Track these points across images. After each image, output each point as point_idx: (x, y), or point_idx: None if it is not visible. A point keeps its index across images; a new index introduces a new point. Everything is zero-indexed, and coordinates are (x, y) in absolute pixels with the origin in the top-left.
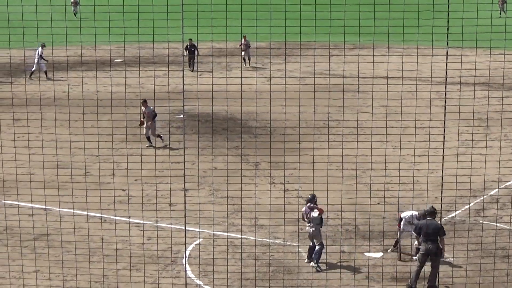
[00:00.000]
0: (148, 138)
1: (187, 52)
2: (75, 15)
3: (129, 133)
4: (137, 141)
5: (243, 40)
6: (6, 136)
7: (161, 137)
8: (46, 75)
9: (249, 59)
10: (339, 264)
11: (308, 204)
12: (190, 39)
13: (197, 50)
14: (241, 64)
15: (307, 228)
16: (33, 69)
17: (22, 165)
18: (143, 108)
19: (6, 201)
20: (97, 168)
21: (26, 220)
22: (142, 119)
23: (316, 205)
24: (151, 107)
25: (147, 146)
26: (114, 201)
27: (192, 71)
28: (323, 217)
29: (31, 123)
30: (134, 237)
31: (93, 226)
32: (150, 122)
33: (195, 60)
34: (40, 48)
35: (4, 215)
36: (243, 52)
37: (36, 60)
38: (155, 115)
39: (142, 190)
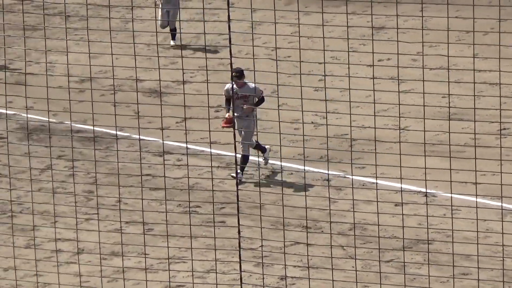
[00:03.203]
0: (258, 146)
1: None
2: None
3: None
4: None
5: None
6: None
7: (262, 149)
8: None
9: None
10: None
11: None
12: None
13: None
14: None
15: None
16: None
17: None
18: (235, 88)
19: None
20: None
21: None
22: (229, 115)
23: None
24: (252, 84)
25: (232, 176)
26: None
27: None
28: None
29: None
30: None
31: None
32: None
33: None
34: None
35: None
36: None
37: None
38: (262, 100)
39: None
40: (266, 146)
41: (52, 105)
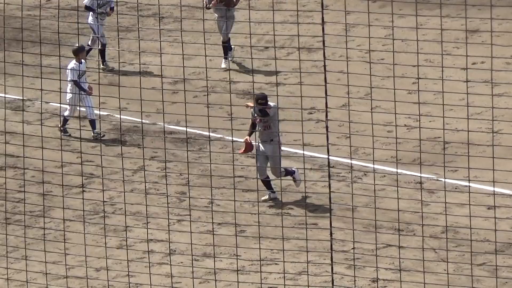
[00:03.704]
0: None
1: None
2: None
3: None
4: None
5: None
6: None
7: (291, 172)
8: None
9: None
10: None
11: None
12: None
13: None
14: None
15: None
16: None
17: None
18: (252, 111)
19: None
20: None
21: None
22: (246, 139)
23: None
24: (273, 103)
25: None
26: None
27: None
28: None
29: None
30: None
31: None
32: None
33: None
34: None
35: None
36: None
37: None
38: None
39: None
40: (293, 168)
41: (145, 106)
